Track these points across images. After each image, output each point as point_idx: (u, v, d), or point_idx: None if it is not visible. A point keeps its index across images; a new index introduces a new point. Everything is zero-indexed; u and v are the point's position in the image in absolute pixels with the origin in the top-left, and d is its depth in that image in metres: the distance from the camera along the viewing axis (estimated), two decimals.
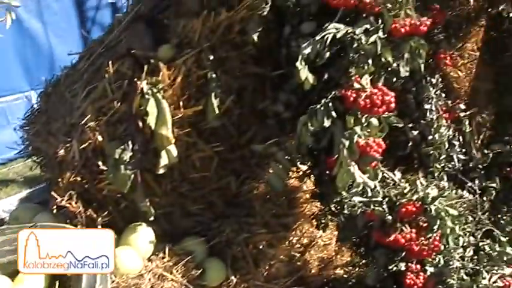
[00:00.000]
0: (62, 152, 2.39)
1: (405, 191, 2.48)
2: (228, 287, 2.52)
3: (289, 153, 2.28)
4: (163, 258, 2.40)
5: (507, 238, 3.03)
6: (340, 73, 2.22)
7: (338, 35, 2.14)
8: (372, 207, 2.45)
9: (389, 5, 2.21)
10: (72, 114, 2.53)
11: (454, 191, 2.86)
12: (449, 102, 3.36)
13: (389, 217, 2.44)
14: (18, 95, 5.79)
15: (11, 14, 2.14)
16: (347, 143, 2.11)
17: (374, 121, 2.23)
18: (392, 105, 2.18)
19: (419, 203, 2.45)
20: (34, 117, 2.86)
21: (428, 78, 3.13)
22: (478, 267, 2.88)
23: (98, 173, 2.36)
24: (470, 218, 3.01)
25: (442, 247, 2.51)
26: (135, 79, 2.32)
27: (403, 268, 2.53)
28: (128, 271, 2.27)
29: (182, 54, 2.34)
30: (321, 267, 3.00)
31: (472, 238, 2.97)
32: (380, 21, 2.21)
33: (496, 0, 3.18)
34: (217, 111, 2.30)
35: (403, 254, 2.52)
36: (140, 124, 2.29)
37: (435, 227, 2.45)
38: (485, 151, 3.36)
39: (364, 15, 2.22)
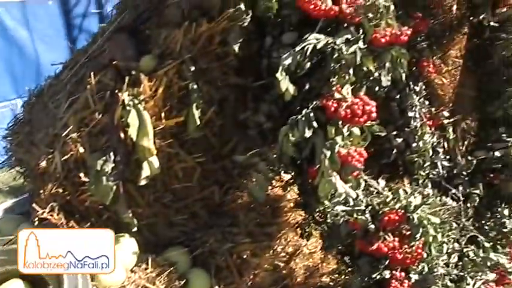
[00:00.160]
0: (43, 163, 2.39)
1: (388, 200, 2.49)
2: None
3: (271, 163, 2.29)
4: (146, 269, 2.39)
5: (491, 244, 3.05)
6: (321, 83, 2.23)
7: (318, 46, 2.15)
8: (354, 216, 2.47)
9: (370, 15, 2.22)
10: (55, 125, 2.52)
11: (438, 198, 2.88)
12: (433, 109, 3.38)
13: (372, 226, 2.45)
14: (5, 103, 5.74)
15: None
16: (328, 153, 2.12)
17: (356, 130, 2.24)
18: (374, 114, 2.19)
19: (402, 211, 2.47)
20: (17, 127, 2.84)
21: (412, 86, 3.15)
22: (462, 274, 2.91)
23: (80, 185, 2.35)
24: (455, 225, 3.03)
25: (425, 255, 2.52)
26: (117, 90, 2.31)
27: (387, 276, 2.54)
28: (111, 283, 2.26)
29: (164, 65, 2.33)
30: (307, 275, 3.00)
31: (456, 244, 2.99)
32: (361, 31, 2.23)
33: (477, 9, 3.21)
34: (198, 123, 2.30)
35: (387, 262, 2.53)
36: (122, 135, 2.29)
37: (418, 235, 2.46)
38: (469, 158, 3.38)
39: (345, 25, 2.23)
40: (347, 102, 2.15)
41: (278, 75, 2.10)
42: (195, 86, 2.31)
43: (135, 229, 2.39)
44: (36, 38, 5.80)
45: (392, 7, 2.27)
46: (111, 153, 2.28)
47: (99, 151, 2.33)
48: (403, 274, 2.53)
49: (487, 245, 3.03)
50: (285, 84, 2.12)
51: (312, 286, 3.02)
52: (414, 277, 2.55)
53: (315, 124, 2.13)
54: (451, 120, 3.45)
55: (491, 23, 3.16)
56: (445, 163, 3.33)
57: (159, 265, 2.42)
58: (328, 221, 2.53)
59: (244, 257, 2.59)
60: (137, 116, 2.24)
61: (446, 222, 2.83)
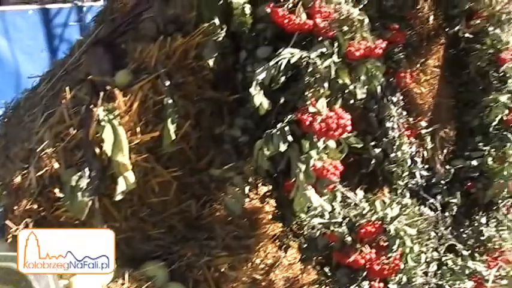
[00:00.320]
0: (18, 179, 2.37)
1: (364, 212, 2.51)
2: None
3: (247, 177, 2.29)
4: (123, 284, 2.36)
5: (469, 252, 3.09)
6: (296, 97, 2.23)
7: (293, 60, 2.14)
8: (331, 228, 2.48)
9: (344, 29, 2.23)
10: (30, 140, 2.50)
11: (416, 208, 2.90)
12: (412, 119, 3.42)
13: (349, 238, 2.46)
14: None
15: None
16: (303, 167, 2.12)
17: (331, 144, 2.24)
18: (348, 128, 2.19)
19: (379, 223, 2.48)
20: None
21: (389, 96, 3.18)
22: (441, 282, 2.94)
23: (55, 200, 2.33)
24: (433, 234, 3.06)
25: (403, 266, 2.54)
26: (92, 105, 2.30)
27: (366, 287, 2.55)
28: None
29: (139, 79, 2.33)
30: (287, 286, 3.00)
31: (435, 253, 3.02)
32: (335, 44, 2.24)
33: (453, 21, 3.25)
34: (173, 137, 2.29)
35: (365, 273, 2.54)
36: (97, 151, 2.28)
37: (394, 247, 2.48)
38: (447, 167, 3.42)
39: (319, 39, 2.23)
40: (322, 116, 2.15)
41: (252, 89, 2.10)
42: (170, 101, 2.31)
43: None
44: (15, 48, 5.75)
45: (366, 20, 2.27)
46: (86, 169, 2.26)
47: (74, 166, 2.31)
48: (381, 285, 2.55)
49: (465, 253, 3.07)
50: (259, 99, 2.12)
51: None
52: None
53: (290, 138, 2.12)
54: (429, 129, 3.49)
55: (466, 34, 3.20)
56: (424, 172, 3.36)
57: (136, 280, 2.40)
58: (305, 233, 2.54)
59: (222, 270, 2.58)
60: (112, 131, 2.23)
61: (424, 232, 2.85)
